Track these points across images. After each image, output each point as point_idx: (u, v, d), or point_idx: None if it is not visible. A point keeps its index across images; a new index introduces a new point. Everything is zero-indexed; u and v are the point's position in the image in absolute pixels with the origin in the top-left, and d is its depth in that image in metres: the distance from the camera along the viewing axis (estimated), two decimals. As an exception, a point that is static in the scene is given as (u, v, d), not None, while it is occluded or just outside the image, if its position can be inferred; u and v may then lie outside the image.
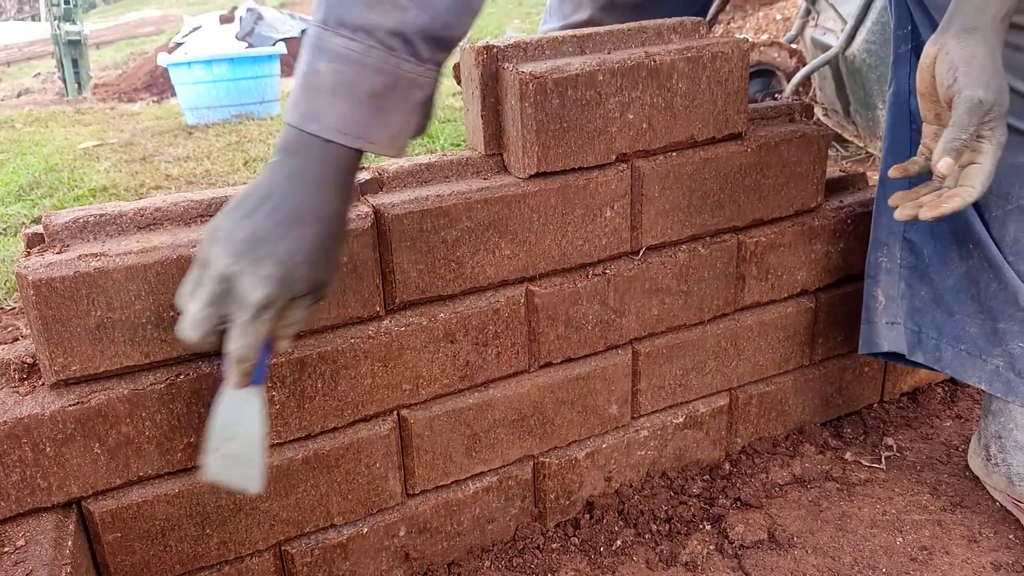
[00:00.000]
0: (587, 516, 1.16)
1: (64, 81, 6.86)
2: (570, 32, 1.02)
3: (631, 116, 1.00)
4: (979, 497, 1.16)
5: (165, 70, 4.48)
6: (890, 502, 1.17)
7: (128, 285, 0.81)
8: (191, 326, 0.72)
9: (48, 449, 0.82)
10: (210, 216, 0.88)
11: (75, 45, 6.75)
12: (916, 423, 1.35)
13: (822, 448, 1.28)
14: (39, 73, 8.73)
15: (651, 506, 1.16)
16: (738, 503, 1.17)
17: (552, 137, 0.96)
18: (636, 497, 1.17)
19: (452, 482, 1.07)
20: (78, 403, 0.82)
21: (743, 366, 1.23)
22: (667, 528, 1.13)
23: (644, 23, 1.05)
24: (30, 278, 0.77)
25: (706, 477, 1.23)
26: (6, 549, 0.79)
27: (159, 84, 6.77)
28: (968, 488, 1.19)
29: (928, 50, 0.88)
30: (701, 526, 1.13)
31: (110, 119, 4.29)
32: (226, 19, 7.62)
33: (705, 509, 1.16)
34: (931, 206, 0.89)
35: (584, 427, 1.13)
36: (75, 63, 6.76)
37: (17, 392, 0.83)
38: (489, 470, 1.09)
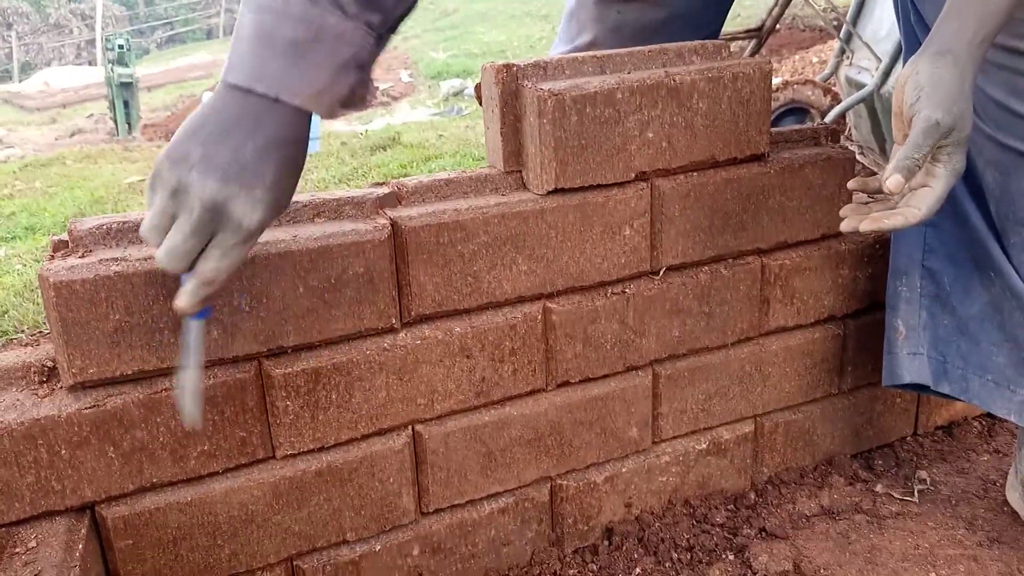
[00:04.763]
0: (606, 542, 1.13)
1: (115, 121, 7.12)
2: (590, 53, 1.03)
3: (650, 135, 1.00)
4: (1018, 533, 1.11)
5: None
6: (923, 536, 1.12)
7: (147, 289, 0.82)
8: (177, 257, 0.70)
9: (63, 451, 0.83)
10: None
11: (127, 87, 7.02)
12: (951, 457, 1.31)
13: (852, 480, 1.24)
14: (92, 114, 9.07)
15: (672, 534, 1.12)
16: (763, 533, 1.13)
17: (570, 154, 0.97)
18: (657, 524, 1.14)
19: (467, 501, 1.05)
20: (94, 406, 0.83)
21: (768, 392, 1.20)
22: (688, 557, 1.09)
23: (665, 45, 1.06)
24: (51, 280, 0.78)
25: (730, 506, 1.19)
26: (17, 550, 0.80)
27: (205, 125, 6.98)
28: (1006, 523, 1.13)
29: (904, 70, 0.87)
30: (724, 556, 1.09)
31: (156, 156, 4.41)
32: (272, 63, 7.85)
33: (728, 539, 1.12)
34: (872, 219, 0.88)
35: (603, 450, 1.11)
36: (126, 104, 7.04)
37: (36, 394, 0.84)
38: (505, 491, 1.07)
